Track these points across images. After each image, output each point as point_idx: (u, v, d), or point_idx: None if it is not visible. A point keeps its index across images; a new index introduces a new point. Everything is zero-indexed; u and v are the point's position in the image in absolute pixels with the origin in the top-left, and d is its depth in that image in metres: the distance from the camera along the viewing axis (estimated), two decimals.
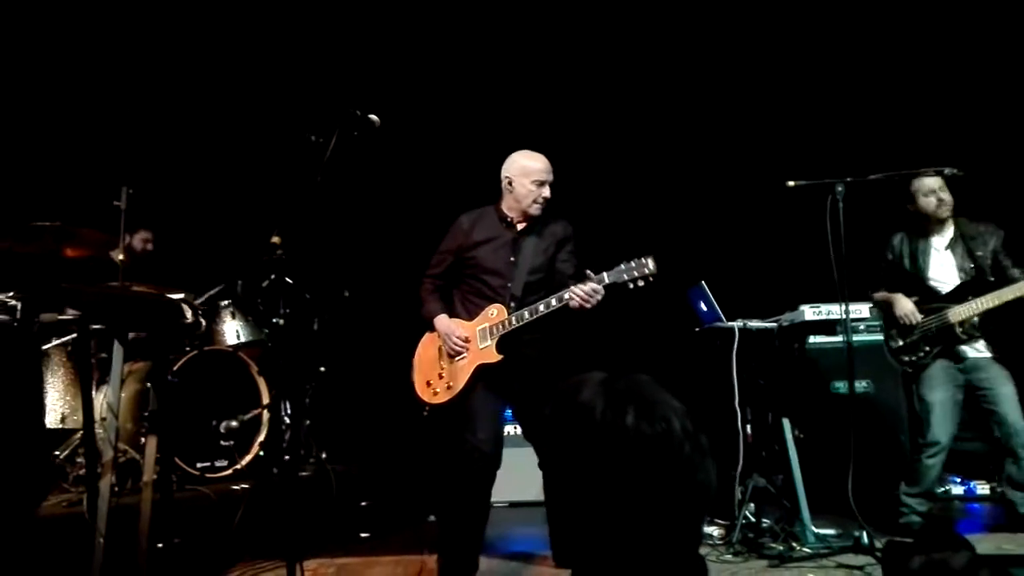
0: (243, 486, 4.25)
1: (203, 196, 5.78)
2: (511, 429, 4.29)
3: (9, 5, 5.26)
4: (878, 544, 3.34)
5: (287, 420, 4.60)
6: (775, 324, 4.04)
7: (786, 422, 3.90)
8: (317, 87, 5.54)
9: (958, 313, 3.67)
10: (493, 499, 3.26)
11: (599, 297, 3.01)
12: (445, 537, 3.22)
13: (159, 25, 5.58)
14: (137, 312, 3.11)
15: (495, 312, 3.22)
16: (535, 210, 3.29)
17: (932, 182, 3.75)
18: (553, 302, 3.07)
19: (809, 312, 3.99)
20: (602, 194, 5.76)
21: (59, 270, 3.65)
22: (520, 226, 3.35)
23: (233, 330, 4.85)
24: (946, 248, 3.81)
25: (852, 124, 5.46)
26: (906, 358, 3.82)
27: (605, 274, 3.02)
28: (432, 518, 4.45)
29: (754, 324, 3.96)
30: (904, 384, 4.36)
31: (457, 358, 3.26)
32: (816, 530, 3.66)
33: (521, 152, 3.35)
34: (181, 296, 3.14)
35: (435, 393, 3.31)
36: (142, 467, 3.52)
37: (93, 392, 3.90)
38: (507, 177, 3.32)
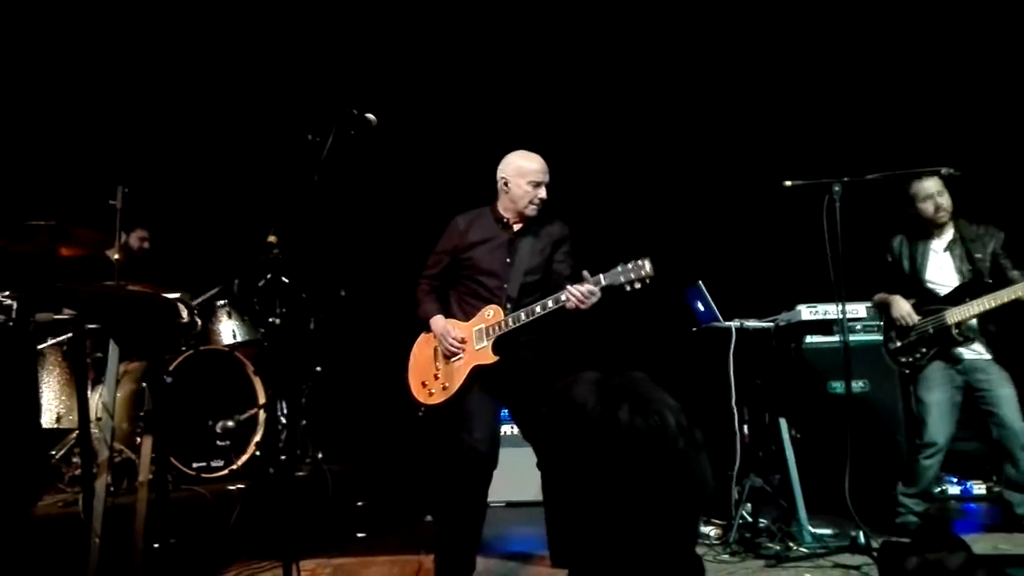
0: (239, 486, 4.25)
1: (199, 195, 5.77)
2: (508, 429, 4.29)
3: (7, 5, 5.24)
4: (875, 544, 3.34)
5: (283, 420, 4.61)
6: (772, 324, 4.03)
7: (783, 422, 3.90)
8: (314, 86, 5.53)
9: (955, 315, 3.68)
10: (490, 499, 3.26)
11: (595, 299, 2.99)
12: (442, 537, 3.21)
13: (155, 24, 5.57)
14: (133, 312, 3.10)
15: (491, 313, 3.21)
16: (531, 211, 3.28)
17: (930, 186, 3.75)
18: (549, 303, 3.06)
19: (806, 312, 3.99)
20: (599, 194, 5.76)
21: (55, 269, 3.64)
22: (516, 227, 3.33)
23: (229, 330, 4.85)
24: (945, 250, 3.82)
25: (849, 124, 5.47)
26: (904, 359, 3.83)
27: (601, 276, 3.00)
28: (429, 518, 4.45)
29: (751, 324, 3.96)
30: (902, 384, 4.38)
31: (453, 359, 3.25)
32: (813, 530, 3.66)
33: (517, 152, 3.33)
34: (177, 295, 3.13)
35: (431, 394, 3.30)
36: (138, 467, 3.51)
37: (89, 392, 3.91)
38: (503, 178, 3.31)
